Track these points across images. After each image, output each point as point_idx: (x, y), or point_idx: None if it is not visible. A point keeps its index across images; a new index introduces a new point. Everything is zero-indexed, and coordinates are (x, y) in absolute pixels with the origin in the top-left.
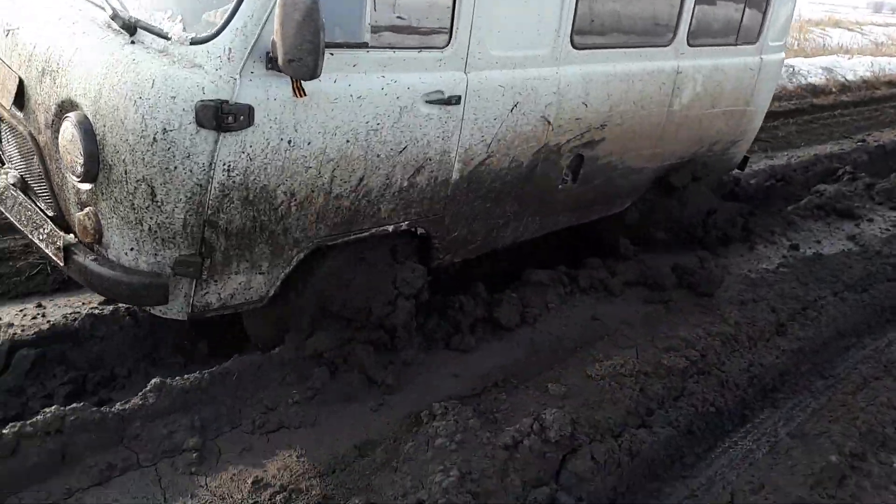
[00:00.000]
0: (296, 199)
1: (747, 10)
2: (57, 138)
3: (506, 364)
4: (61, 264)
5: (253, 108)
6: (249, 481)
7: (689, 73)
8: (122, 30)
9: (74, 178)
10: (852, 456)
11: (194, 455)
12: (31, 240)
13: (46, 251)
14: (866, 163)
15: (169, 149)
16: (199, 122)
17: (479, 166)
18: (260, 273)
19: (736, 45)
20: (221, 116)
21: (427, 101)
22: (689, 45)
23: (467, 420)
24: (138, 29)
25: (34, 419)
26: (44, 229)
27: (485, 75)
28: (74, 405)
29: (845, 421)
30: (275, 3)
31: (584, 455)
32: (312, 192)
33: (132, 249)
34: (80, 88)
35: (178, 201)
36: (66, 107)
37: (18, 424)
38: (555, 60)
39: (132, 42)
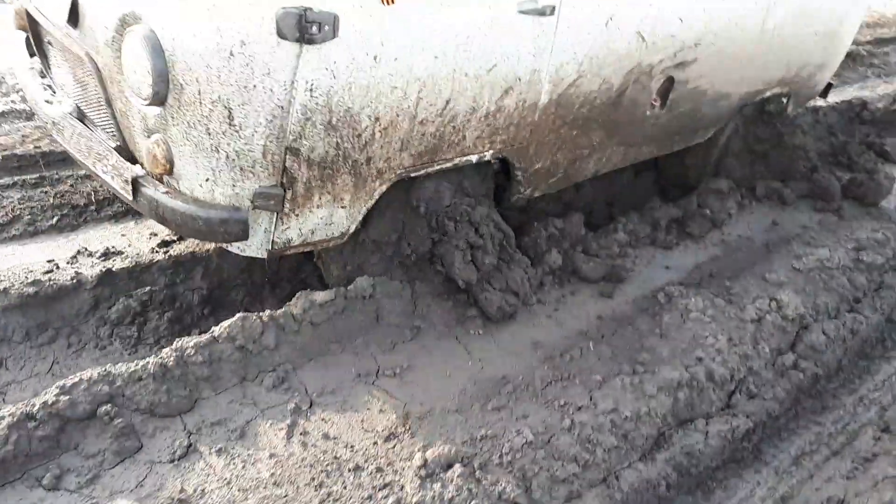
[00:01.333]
0: (380, 124)
1: None
2: (119, 57)
3: (708, 259)
4: (129, 198)
5: (338, 17)
6: (528, 342)
7: None
8: None
9: (141, 101)
10: None
11: (479, 321)
12: (93, 172)
13: (112, 184)
14: None
15: (248, 64)
16: (281, 33)
17: (569, 88)
18: (342, 207)
19: None
20: (305, 26)
21: (520, 11)
22: None
23: (713, 298)
24: None
25: (352, 286)
26: (108, 161)
27: None
28: (379, 277)
29: None
30: None
31: (817, 330)
32: (397, 115)
33: (207, 180)
34: None
35: (257, 125)
36: (128, 20)
37: (343, 289)
38: None
39: None
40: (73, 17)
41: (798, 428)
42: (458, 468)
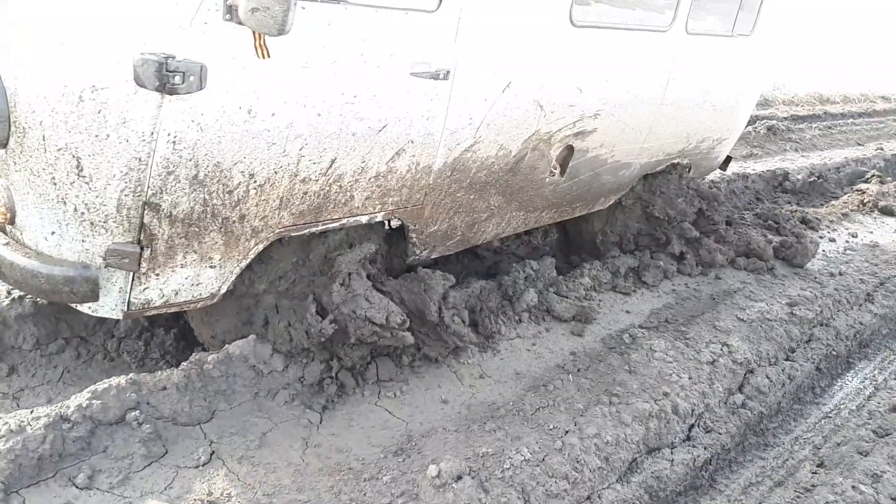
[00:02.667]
0: (255, 181)
1: None
2: None
3: (662, 307)
4: None
5: (205, 68)
6: (512, 372)
7: (684, 63)
8: None
9: None
10: None
11: (468, 352)
12: None
13: None
14: (883, 168)
15: (99, 111)
16: (139, 81)
17: (465, 153)
18: (211, 266)
19: (732, 35)
20: (166, 75)
21: (412, 74)
22: (688, 33)
23: (675, 341)
24: None
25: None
26: None
27: (477, 47)
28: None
29: None
30: None
31: (762, 374)
32: (276, 173)
33: (53, 234)
34: None
35: (110, 177)
36: None
37: None
38: (552, 36)
39: None
40: None
41: (745, 461)
42: (467, 480)
